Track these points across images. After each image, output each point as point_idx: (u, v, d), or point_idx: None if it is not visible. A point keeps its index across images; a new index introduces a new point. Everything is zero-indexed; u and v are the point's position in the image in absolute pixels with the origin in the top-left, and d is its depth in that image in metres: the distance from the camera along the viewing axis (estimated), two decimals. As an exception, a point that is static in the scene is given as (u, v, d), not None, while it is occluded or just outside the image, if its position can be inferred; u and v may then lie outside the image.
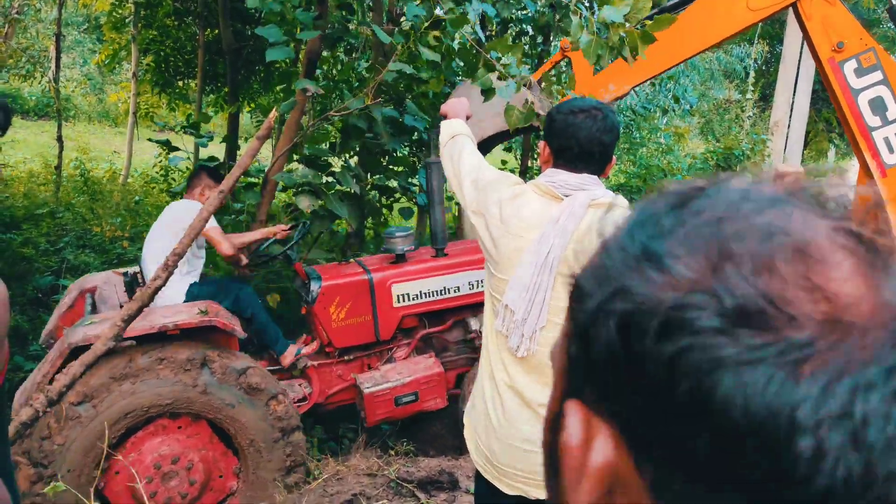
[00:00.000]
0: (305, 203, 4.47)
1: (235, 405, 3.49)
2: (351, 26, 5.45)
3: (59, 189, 9.23)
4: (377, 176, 5.59)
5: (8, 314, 1.22)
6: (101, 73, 20.81)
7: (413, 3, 3.99)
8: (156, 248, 4.06)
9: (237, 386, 3.51)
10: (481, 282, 4.66)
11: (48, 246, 7.11)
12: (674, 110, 11.21)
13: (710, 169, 10.21)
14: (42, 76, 12.41)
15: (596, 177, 2.10)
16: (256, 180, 5.16)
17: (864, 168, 4.42)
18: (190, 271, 4.17)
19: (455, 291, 4.58)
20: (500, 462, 2.14)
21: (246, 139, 11.70)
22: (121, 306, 4.10)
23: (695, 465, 0.39)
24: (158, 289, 2.49)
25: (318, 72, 5.48)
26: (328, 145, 5.38)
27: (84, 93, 22.06)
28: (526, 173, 9.75)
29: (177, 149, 5.15)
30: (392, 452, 4.45)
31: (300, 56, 6.21)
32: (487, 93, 3.87)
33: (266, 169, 5.15)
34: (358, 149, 5.33)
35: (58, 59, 10.60)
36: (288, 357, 4.23)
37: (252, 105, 11.46)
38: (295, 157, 5.20)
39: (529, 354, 2.06)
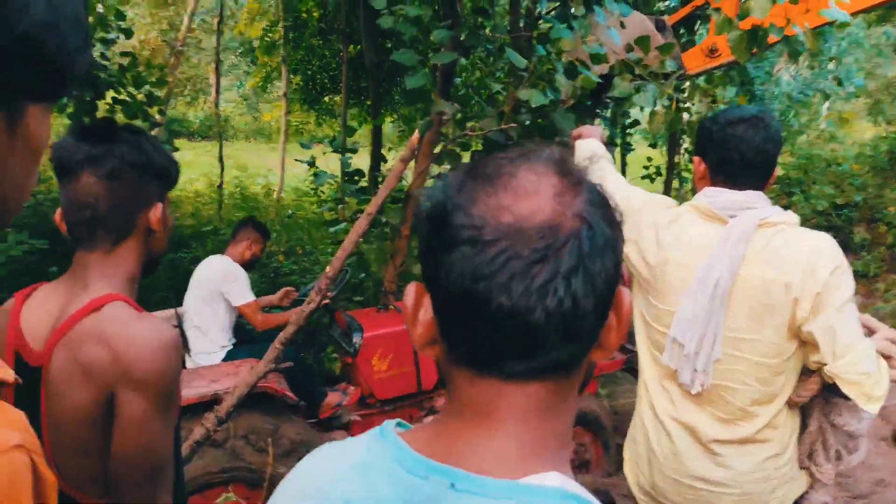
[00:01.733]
0: None
1: (276, 463, 3.38)
2: (486, 31, 5.40)
3: (221, 207, 9.90)
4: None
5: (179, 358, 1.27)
6: (255, 94, 22.20)
7: (559, 26, 3.86)
8: (193, 314, 4.09)
9: (278, 447, 3.43)
10: None
11: (213, 262, 7.64)
12: (837, 94, 10.29)
13: (881, 157, 9.26)
14: (204, 101, 13.36)
15: (761, 192, 1.93)
16: (400, 195, 5.26)
17: None
18: (221, 329, 4.13)
19: None
20: (666, 499, 2.02)
21: (389, 149, 12.03)
22: None
23: (440, 305, 0.71)
24: (313, 311, 2.58)
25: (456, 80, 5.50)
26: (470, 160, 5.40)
27: (241, 113, 23.62)
28: (672, 170, 9.35)
29: (317, 168, 5.33)
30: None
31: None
32: (624, 103, 3.69)
33: (408, 187, 5.24)
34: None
35: (217, 83, 11.39)
36: (329, 405, 4.07)
37: (394, 116, 11.78)
38: (436, 172, 5.25)
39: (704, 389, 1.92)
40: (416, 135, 2.49)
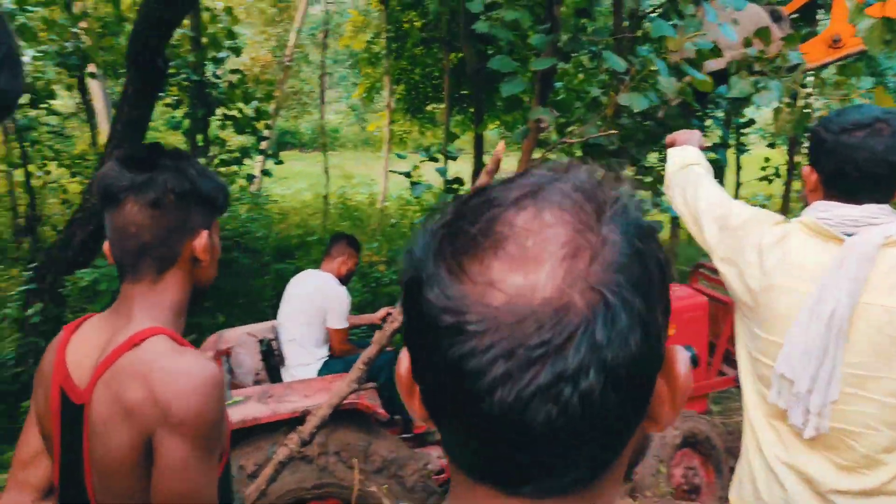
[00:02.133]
0: None
1: (367, 480, 3.34)
2: (587, 34, 5.20)
3: (326, 217, 10.09)
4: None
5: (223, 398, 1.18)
6: (361, 104, 22.71)
7: (662, 24, 3.61)
8: (291, 327, 4.09)
9: (370, 464, 3.37)
10: None
11: (318, 272, 7.77)
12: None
13: None
14: (311, 114, 13.74)
15: (886, 206, 1.66)
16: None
17: None
18: (318, 343, 4.11)
19: None
20: None
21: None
22: (257, 374, 4.14)
23: (424, 388, 0.57)
24: (396, 331, 2.49)
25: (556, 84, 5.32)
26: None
27: (349, 124, 24.23)
28: (793, 171, 8.77)
29: (414, 178, 5.28)
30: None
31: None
32: (742, 103, 3.41)
33: None
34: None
35: (323, 95, 11.67)
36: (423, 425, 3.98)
37: (497, 122, 11.68)
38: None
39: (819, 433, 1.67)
40: (501, 145, 2.34)
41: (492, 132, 13.31)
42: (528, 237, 0.51)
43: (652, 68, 3.40)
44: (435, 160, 5.34)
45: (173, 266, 1.30)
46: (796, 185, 8.98)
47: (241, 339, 4.45)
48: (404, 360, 0.62)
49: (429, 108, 12.29)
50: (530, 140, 3.88)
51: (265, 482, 2.34)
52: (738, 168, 9.35)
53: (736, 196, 9.26)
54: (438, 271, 0.53)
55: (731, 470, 4.65)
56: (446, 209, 0.58)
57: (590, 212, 0.53)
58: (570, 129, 4.33)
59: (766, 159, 9.70)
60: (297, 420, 3.38)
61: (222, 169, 7.87)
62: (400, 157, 5.18)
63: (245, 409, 3.39)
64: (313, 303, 4.10)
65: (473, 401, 0.50)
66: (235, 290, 6.03)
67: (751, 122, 8.71)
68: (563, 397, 0.48)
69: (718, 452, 4.32)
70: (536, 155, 4.37)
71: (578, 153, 4.72)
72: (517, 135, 3.99)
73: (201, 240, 1.31)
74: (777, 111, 3.39)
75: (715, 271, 4.87)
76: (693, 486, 4.27)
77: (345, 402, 3.38)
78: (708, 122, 7.44)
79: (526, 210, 0.53)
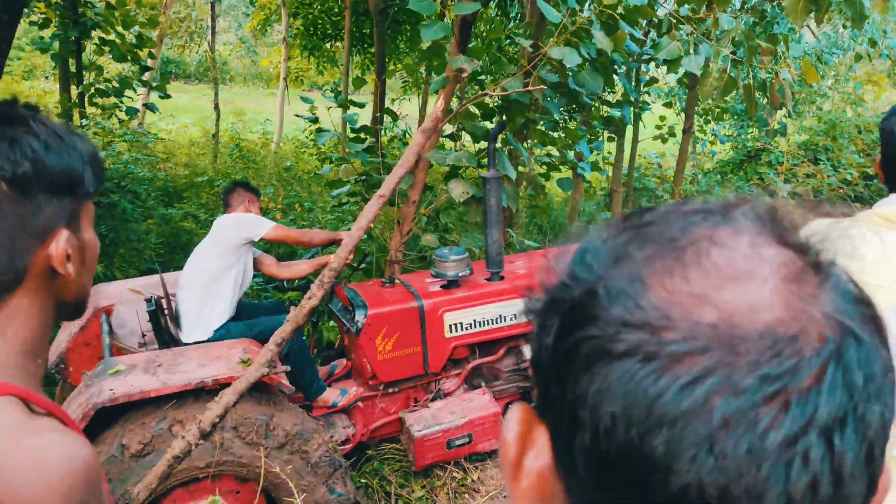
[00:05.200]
0: (459, 190, 4.07)
1: (268, 457, 3.09)
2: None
3: (216, 157, 9.46)
4: (541, 149, 5.12)
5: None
6: (253, 37, 21.47)
7: None
8: (188, 279, 3.72)
9: (273, 440, 3.12)
10: None
11: (208, 217, 7.24)
12: (869, 56, 9.75)
13: None
14: (199, 44, 12.80)
15: None
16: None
17: None
18: (225, 303, 3.73)
19: (512, 319, 4.09)
20: None
21: (393, 100, 11.53)
22: (143, 336, 3.79)
23: (584, 460, 0.40)
24: (315, 308, 2.23)
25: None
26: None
27: (239, 55, 22.90)
28: (690, 133, 8.91)
29: (320, 125, 4.91)
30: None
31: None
32: (671, 65, 3.27)
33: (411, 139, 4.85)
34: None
35: (213, 26, 10.83)
36: (324, 403, 3.83)
37: (399, 65, 11.26)
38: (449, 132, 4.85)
39: None
40: (440, 103, 2.11)
41: (393, 77, 12.86)
42: (736, 253, 0.42)
43: (586, 20, 3.20)
44: (344, 107, 4.97)
45: (18, 287, 0.88)
46: (690, 148, 9.18)
47: (125, 295, 4.00)
48: (512, 421, 0.48)
49: (328, 46, 11.69)
50: (450, 87, 3.62)
51: (156, 480, 2.05)
52: (637, 126, 9.42)
53: (632, 154, 9.35)
54: (630, 283, 0.42)
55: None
56: (618, 222, 0.48)
57: (795, 236, 0.45)
58: (488, 82, 4.10)
59: (662, 118, 9.83)
60: (192, 393, 3.07)
61: (98, 100, 7.14)
62: (306, 101, 4.77)
63: (129, 379, 3.01)
64: (219, 244, 3.70)
65: (663, 467, 0.37)
66: (116, 239, 5.49)
67: (653, 80, 8.75)
68: (811, 463, 0.36)
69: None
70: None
71: (493, 108, 4.51)
72: (434, 84, 3.72)
73: (58, 243, 0.89)
74: (704, 74, 3.28)
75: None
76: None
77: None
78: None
79: (723, 227, 0.44)
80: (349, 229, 4.40)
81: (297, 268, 4.01)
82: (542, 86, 3.35)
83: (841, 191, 8.23)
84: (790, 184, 7.68)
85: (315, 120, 4.74)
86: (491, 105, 4.42)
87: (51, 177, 0.88)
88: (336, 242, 3.98)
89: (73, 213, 0.92)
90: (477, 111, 4.48)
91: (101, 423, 2.95)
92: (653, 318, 0.39)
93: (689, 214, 0.45)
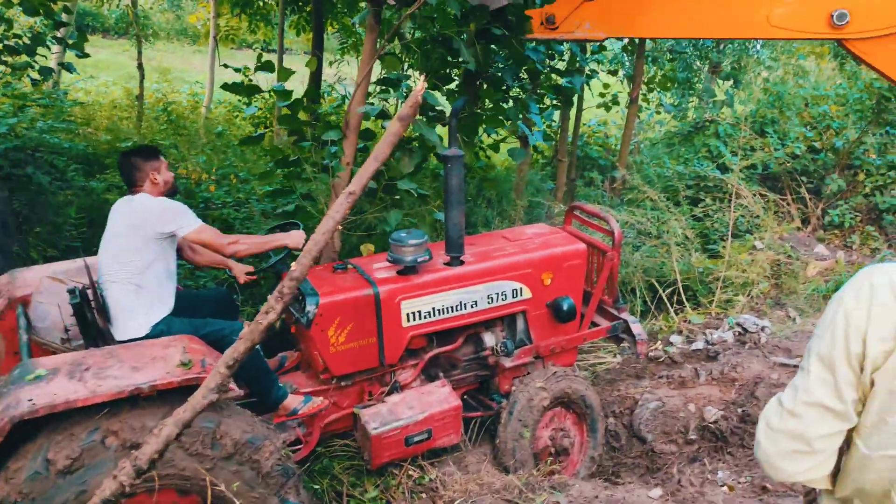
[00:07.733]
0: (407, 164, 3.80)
1: (215, 469, 2.78)
2: None
3: (141, 121, 8.82)
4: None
5: None
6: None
7: None
8: (117, 261, 3.31)
9: (221, 450, 2.80)
10: (502, 295, 3.95)
11: (133, 187, 6.72)
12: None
13: (867, 101, 8.74)
14: (120, -4, 11.93)
15: None
16: (339, 113, 4.51)
17: None
18: (160, 297, 3.39)
19: (472, 307, 3.90)
20: None
21: (331, 63, 10.99)
22: (66, 331, 3.42)
23: None
24: (272, 324, 1.93)
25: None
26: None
27: (162, 9, 21.63)
28: (637, 102, 8.78)
29: (256, 88, 4.47)
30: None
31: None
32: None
33: (348, 103, 4.49)
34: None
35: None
36: (285, 410, 3.53)
37: (336, 25, 10.72)
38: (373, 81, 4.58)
39: None
40: (420, 85, 1.85)
41: (330, 37, 12.29)
42: None
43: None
44: (269, 70, 4.53)
45: None
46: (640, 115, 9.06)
47: (44, 284, 3.58)
48: None
49: (260, 3, 11.02)
50: (372, 34, 3.29)
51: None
52: (582, 94, 9.25)
53: (577, 122, 9.19)
54: None
55: (608, 430, 4.57)
56: None
57: None
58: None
59: (606, 86, 9.71)
60: (126, 401, 2.72)
61: (8, 58, 6.46)
62: (234, 70, 4.33)
63: (52, 386, 2.64)
64: (139, 232, 3.29)
65: None
66: (31, 216, 4.96)
67: (602, 47, 8.60)
68: None
69: (594, 410, 4.18)
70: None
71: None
72: (357, 18, 3.42)
73: None
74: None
75: (591, 215, 4.65)
76: (561, 447, 4.11)
77: (188, 376, 2.76)
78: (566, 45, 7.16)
79: None
80: (293, 220, 4.05)
81: (251, 246, 3.52)
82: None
83: (788, 164, 8.26)
84: (736, 157, 7.62)
85: (248, 92, 4.32)
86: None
87: None
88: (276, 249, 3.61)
89: None
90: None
91: (22, 432, 2.59)
92: None
93: None
